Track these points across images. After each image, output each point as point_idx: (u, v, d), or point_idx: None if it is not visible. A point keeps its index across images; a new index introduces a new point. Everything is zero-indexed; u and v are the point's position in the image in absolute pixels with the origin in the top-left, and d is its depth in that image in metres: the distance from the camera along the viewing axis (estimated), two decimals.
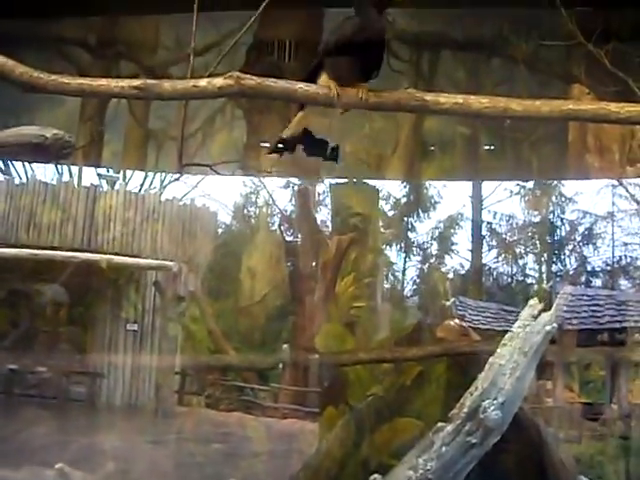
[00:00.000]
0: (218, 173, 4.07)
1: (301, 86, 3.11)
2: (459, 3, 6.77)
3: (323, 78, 3.21)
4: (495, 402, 4.30)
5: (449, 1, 6.69)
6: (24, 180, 12.97)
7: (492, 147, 8.44)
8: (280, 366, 11.99)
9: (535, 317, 4.36)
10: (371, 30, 3.16)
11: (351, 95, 3.12)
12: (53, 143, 3.16)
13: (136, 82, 3.09)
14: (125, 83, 3.11)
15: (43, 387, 11.87)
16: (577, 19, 5.10)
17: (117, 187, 12.71)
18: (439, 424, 4.51)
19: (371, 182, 11.37)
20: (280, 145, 3.44)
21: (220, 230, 14.78)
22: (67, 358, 11.78)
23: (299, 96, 3.12)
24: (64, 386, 11.85)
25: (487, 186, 15.50)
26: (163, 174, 12.55)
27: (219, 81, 3.05)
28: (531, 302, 4.44)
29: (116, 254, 11.60)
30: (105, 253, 11.47)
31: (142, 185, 14.09)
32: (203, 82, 3.08)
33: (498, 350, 4.30)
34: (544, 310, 4.35)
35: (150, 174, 12.64)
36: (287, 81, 3.11)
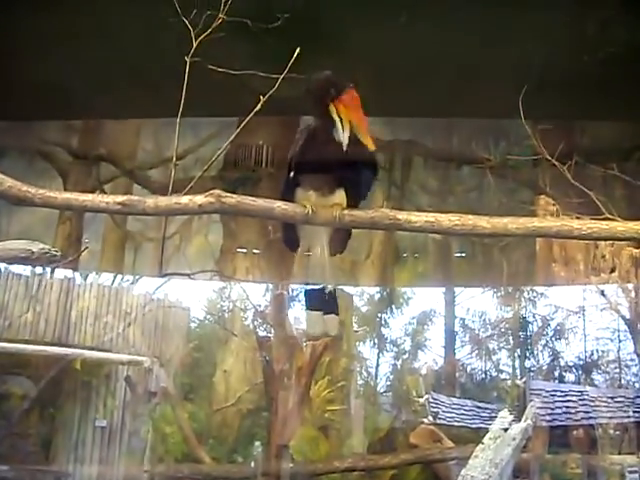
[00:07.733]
0: (195, 280, 4.16)
1: (279, 205, 3.24)
2: (430, 113, 7.05)
3: (299, 192, 3.34)
4: None
5: (420, 111, 6.96)
6: None
7: (463, 254, 8.64)
8: (252, 464, 11.72)
9: (506, 429, 4.40)
10: (322, 135, 3.27)
11: (327, 214, 3.27)
12: (40, 257, 3.24)
13: (120, 198, 3.21)
14: (110, 199, 3.23)
15: None
16: (542, 133, 5.33)
17: (90, 280, 12.64)
18: None
19: (345, 288, 11.50)
20: None
21: (194, 325, 14.67)
22: (33, 457, 11.41)
23: (277, 214, 3.25)
24: None
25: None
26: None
27: (200, 199, 3.16)
28: (501, 414, 4.48)
29: (89, 349, 11.46)
30: (77, 347, 11.32)
31: (115, 278, 14.02)
32: (185, 199, 3.19)
33: (470, 462, 4.31)
34: (514, 421, 4.39)
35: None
36: (265, 200, 3.24)
